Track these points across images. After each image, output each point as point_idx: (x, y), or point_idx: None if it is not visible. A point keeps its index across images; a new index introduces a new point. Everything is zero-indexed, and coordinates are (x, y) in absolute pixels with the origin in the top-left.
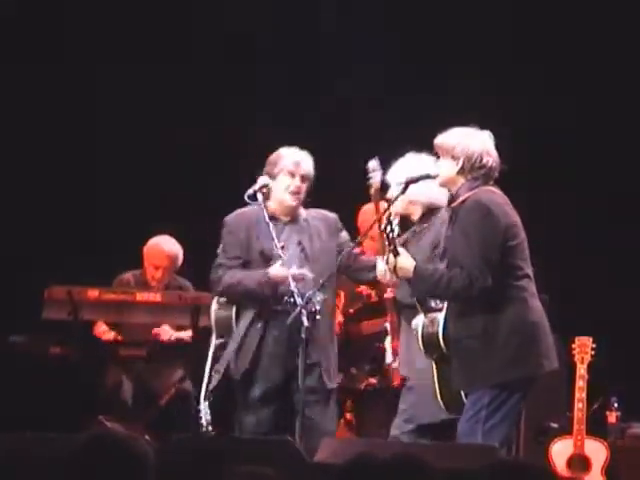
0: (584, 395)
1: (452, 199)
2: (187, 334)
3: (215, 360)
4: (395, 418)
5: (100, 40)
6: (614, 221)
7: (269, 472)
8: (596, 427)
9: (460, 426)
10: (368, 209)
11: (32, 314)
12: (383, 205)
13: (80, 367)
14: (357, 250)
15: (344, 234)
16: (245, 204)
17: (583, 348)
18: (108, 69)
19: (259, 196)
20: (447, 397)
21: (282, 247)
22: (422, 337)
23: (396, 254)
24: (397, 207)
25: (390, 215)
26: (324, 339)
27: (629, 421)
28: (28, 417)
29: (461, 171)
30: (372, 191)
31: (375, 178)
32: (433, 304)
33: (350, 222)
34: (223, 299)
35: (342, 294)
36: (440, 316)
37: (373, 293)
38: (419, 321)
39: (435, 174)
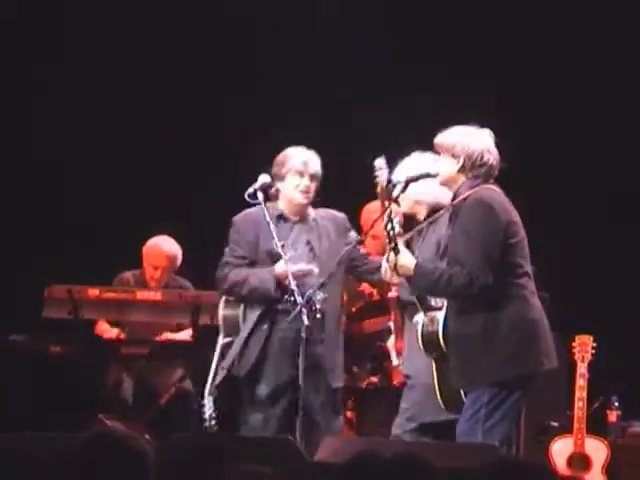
0: (584, 394)
1: (453, 198)
2: (187, 333)
3: (221, 358)
4: (397, 417)
5: (100, 40)
6: (614, 219)
7: (269, 471)
8: (596, 426)
9: (460, 425)
10: (371, 207)
11: (32, 313)
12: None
13: (80, 366)
14: (364, 250)
15: (352, 234)
16: (246, 203)
17: (583, 347)
18: (108, 69)
19: (259, 195)
20: (446, 396)
21: (282, 246)
22: (422, 336)
23: (397, 252)
24: (403, 206)
25: (391, 213)
26: (330, 338)
27: (629, 420)
28: (29, 416)
29: (462, 169)
30: (378, 189)
31: (381, 176)
32: (433, 303)
33: (352, 221)
34: (231, 298)
35: (344, 293)
36: (440, 315)
37: (375, 292)
38: (419, 320)
39: (435, 173)
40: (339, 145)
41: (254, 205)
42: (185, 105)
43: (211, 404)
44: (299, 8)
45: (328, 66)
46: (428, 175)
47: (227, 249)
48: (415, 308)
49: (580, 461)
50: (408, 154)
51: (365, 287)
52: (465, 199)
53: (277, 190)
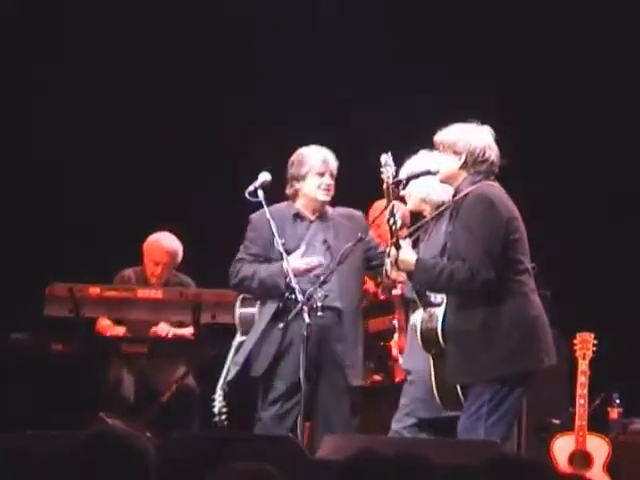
0: (585, 391)
1: (454, 194)
2: (188, 330)
3: (236, 355)
4: (396, 412)
5: (100, 40)
6: (615, 216)
7: (271, 469)
8: (598, 423)
9: (461, 422)
10: (379, 205)
11: (33, 311)
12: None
13: (81, 364)
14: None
15: (370, 232)
16: (246, 201)
17: (584, 344)
18: (108, 69)
19: (260, 193)
20: (443, 393)
21: (283, 244)
22: (421, 332)
23: (398, 247)
24: (409, 204)
25: (393, 208)
26: (349, 336)
27: (631, 417)
28: (29, 414)
29: (464, 166)
30: (384, 186)
31: (387, 173)
32: (432, 299)
33: None
34: (242, 292)
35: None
36: (439, 311)
37: (379, 291)
38: (418, 316)
39: (435, 170)
40: (339, 145)
41: (256, 204)
42: (185, 105)
43: (221, 399)
44: (299, 8)
45: (328, 66)
46: (428, 172)
47: (242, 246)
48: (418, 305)
49: (581, 458)
50: (410, 153)
51: (369, 286)
52: (466, 195)
53: (296, 190)
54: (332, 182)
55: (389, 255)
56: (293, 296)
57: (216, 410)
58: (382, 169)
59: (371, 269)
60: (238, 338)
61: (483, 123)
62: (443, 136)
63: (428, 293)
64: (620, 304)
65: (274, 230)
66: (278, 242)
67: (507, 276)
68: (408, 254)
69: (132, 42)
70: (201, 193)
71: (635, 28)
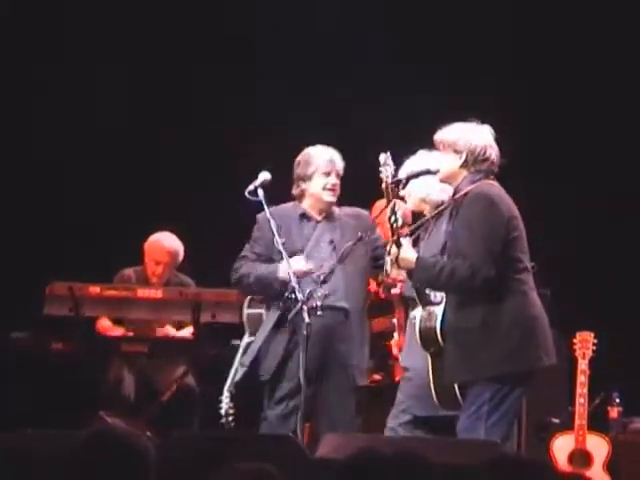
0: (585, 390)
1: (453, 193)
2: (188, 330)
3: (243, 355)
4: (392, 408)
5: (99, 40)
6: (615, 216)
7: (271, 469)
8: (597, 422)
9: (461, 422)
10: (380, 205)
11: (34, 310)
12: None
13: (81, 363)
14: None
15: (377, 231)
16: (247, 201)
17: (584, 343)
18: (108, 69)
19: (260, 192)
20: (441, 392)
21: (283, 243)
22: (420, 331)
23: (398, 245)
24: (409, 204)
25: (395, 206)
26: (356, 336)
27: (630, 416)
28: (29, 413)
29: (464, 164)
30: (383, 185)
31: (386, 172)
32: (432, 298)
33: None
34: (242, 290)
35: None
36: (438, 310)
37: (380, 290)
38: (417, 314)
39: (435, 170)
40: (339, 145)
41: (256, 203)
42: (185, 105)
43: (228, 400)
44: (299, 8)
45: (328, 66)
46: (428, 172)
47: (247, 244)
48: (417, 304)
49: (581, 457)
50: (409, 153)
51: (371, 286)
52: (466, 194)
53: (302, 190)
54: (338, 182)
55: (390, 253)
56: (293, 295)
57: (223, 412)
58: (381, 168)
59: (378, 268)
60: (246, 339)
61: (483, 123)
62: (443, 135)
63: (428, 292)
64: (620, 303)
65: (274, 230)
66: (278, 241)
67: (507, 274)
68: (409, 252)
69: (132, 42)
70: (201, 193)
71: (634, 28)
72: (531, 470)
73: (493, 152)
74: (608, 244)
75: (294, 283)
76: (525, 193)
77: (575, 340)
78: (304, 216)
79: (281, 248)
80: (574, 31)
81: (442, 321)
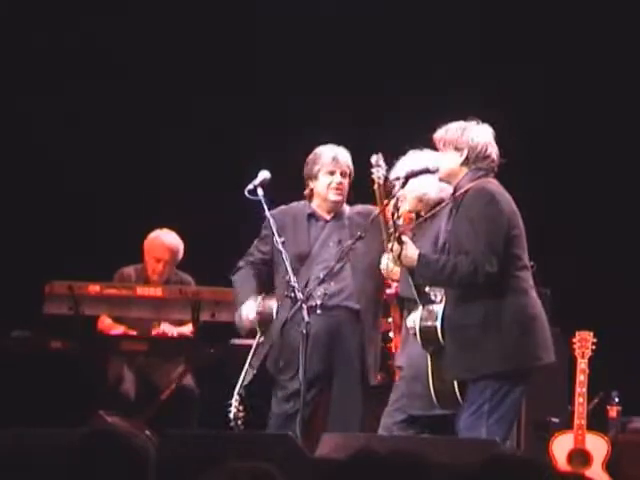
0: (585, 390)
1: (454, 191)
2: (188, 329)
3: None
4: (387, 406)
5: (100, 39)
6: (615, 215)
7: (270, 468)
8: (597, 422)
9: (462, 421)
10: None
11: (33, 309)
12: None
13: (81, 362)
14: None
15: None
16: (246, 200)
17: (584, 342)
18: (108, 68)
19: (259, 191)
20: (440, 391)
21: (283, 242)
22: (420, 330)
23: (401, 242)
24: (406, 204)
25: (397, 203)
26: (369, 334)
27: (630, 415)
28: (29, 412)
29: (465, 162)
30: (375, 187)
31: (378, 173)
32: (432, 297)
33: None
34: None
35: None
36: (439, 309)
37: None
38: (416, 313)
39: (435, 168)
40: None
41: (258, 202)
42: (185, 105)
43: (237, 404)
44: (299, 8)
45: (328, 66)
46: (427, 171)
47: (255, 240)
48: (413, 304)
49: (580, 457)
50: (399, 154)
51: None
52: (466, 191)
53: (311, 190)
54: (344, 181)
55: (392, 250)
56: (293, 294)
57: (232, 415)
58: (372, 170)
59: None
60: (258, 339)
61: (483, 122)
62: (444, 133)
63: (428, 290)
64: (619, 303)
65: (274, 229)
66: (278, 241)
67: (508, 272)
68: (411, 249)
69: (131, 41)
70: (201, 192)
71: (634, 29)
72: (530, 469)
73: (493, 151)
74: (607, 244)
75: (293, 282)
76: (525, 192)
77: (574, 339)
78: (312, 216)
79: (281, 247)
80: (574, 31)
81: (442, 320)
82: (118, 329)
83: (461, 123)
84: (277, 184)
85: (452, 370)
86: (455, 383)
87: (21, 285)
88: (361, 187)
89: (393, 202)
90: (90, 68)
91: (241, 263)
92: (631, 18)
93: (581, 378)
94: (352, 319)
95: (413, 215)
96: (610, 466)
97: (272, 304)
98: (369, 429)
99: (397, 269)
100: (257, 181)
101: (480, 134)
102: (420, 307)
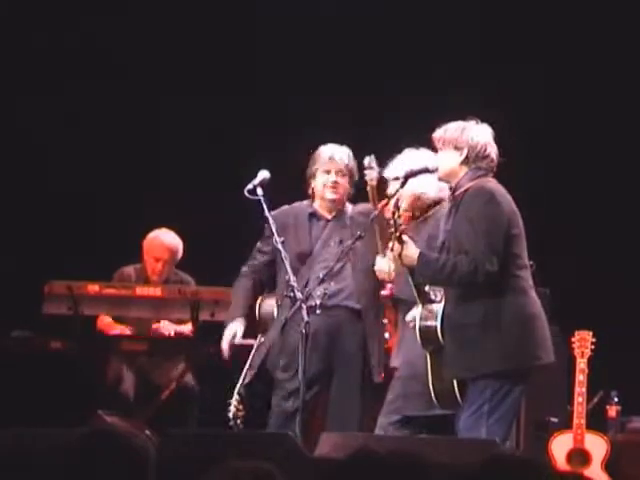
0: (584, 389)
1: (453, 190)
2: (187, 328)
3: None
4: (383, 407)
5: (100, 39)
6: (615, 214)
7: (269, 467)
8: (596, 421)
9: (462, 421)
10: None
11: (32, 309)
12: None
13: (80, 362)
14: None
15: None
16: (246, 200)
17: (583, 342)
18: (108, 68)
19: (259, 190)
20: (439, 390)
21: (282, 242)
22: (419, 329)
23: (401, 242)
24: (404, 203)
25: (398, 202)
26: (370, 335)
27: (629, 415)
28: (28, 412)
29: (465, 161)
30: (368, 188)
31: (371, 175)
32: (432, 296)
33: None
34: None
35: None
36: (439, 308)
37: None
38: (416, 313)
39: (434, 168)
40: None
41: (257, 202)
42: (185, 104)
43: (236, 403)
44: (299, 8)
45: (328, 66)
46: (427, 170)
47: (258, 242)
48: (410, 305)
49: (580, 456)
50: (395, 152)
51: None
52: (466, 191)
53: (312, 189)
54: (339, 179)
55: (392, 250)
56: (292, 294)
57: (231, 414)
58: (365, 172)
59: None
60: (259, 338)
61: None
62: (443, 132)
63: (427, 289)
64: (619, 303)
65: (273, 229)
66: (277, 240)
67: (508, 271)
68: (411, 248)
69: (130, 41)
70: (200, 192)
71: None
72: (530, 469)
73: (493, 150)
74: (607, 243)
75: (292, 282)
76: (523, 189)
77: (574, 339)
78: (314, 215)
79: (280, 247)
80: (574, 32)
81: (442, 319)
82: (117, 328)
83: (460, 123)
84: (277, 184)
85: (452, 369)
86: (455, 383)
87: (21, 285)
88: (362, 187)
89: (393, 201)
90: (90, 68)
91: (243, 269)
92: (631, 18)
93: (580, 378)
94: (352, 319)
95: (409, 214)
96: (609, 466)
97: (272, 303)
98: (367, 429)
99: (392, 270)
100: (256, 181)
101: (479, 133)
102: (420, 306)
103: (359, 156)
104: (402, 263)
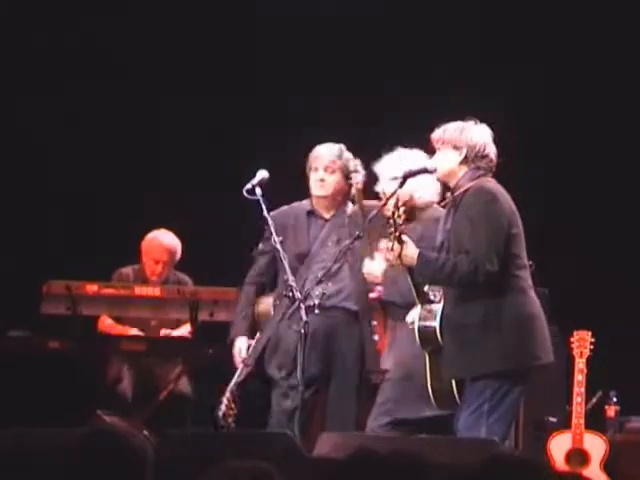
0: (583, 389)
1: (453, 190)
2: (186, 329)
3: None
4: (373, 409)
5: (100, 39)
6: (615, 214)
7: (268, 467)
8: (595, 421)
9: (462, 420)
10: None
11: (31, 309)
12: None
13: (79, 362)
14: None
15: None
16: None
17: (582, 342)
18: (108, 68)
19: (257, 190)
20: (437, 390)
21: (281, 242)
22: (418, 329)
23: (401, 241)
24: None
25: (398, 202)
26: (367, 336)
27: (628, 415)
28: (27, 412)
29: (464, 161)
30: (353, 191)
31: (356, 179)
32: (431, 297)
33: None
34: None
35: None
36: (438, 309)
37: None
38: (415, 313)
39: (432, 168)
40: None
41: (256, 202)
42: (185, 104)
43: (227, 402)
44: (299, 8)
45: (328, 66)
46: (426, 170)
47: (260, 244)
48: (399, 308)
49: (578, 456)
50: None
51: None
52: (466, 191)
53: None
54: (327, 176)
55: (392, 249)
56: (291, 294)
57: (220, 413)
58: (351, 175)
59: None
60: (257, 338)
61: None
62: (442, 132)
63: (427, 289)
64: (618, 303)
65: (272, 228)
66: (276, 240)
67: (507, 271)
68: (411, 248)
69: (130, 40)
70: (201, 192)
71: (634, 28)
72: (529, 469)
73: (492, 150)
74: (607, 243)
75: (291, 281)
76: (524, 191)
77: (572, 339)
78: (312, 214)
79: (279, 247)
80: (573, 32)
81: (441, 319)
82: (118, 328)
83: (459, 123)
84: (277, 184)
85: (451, 369)
86: (453, 383)
87: (19, 285)
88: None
89: (393, 201)
90: (90, 68)
91: (248, 276)
92: (631, 18)
93: (579, 378)
94: (350, 320)
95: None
96: (608, 466)
97: (269, 302)
98: (364, 429)
99: (380, 272)
100: (255, 181)
101: (478, 133)
102: (419, 306)
103: (360, 156)
104: (402, 263)
